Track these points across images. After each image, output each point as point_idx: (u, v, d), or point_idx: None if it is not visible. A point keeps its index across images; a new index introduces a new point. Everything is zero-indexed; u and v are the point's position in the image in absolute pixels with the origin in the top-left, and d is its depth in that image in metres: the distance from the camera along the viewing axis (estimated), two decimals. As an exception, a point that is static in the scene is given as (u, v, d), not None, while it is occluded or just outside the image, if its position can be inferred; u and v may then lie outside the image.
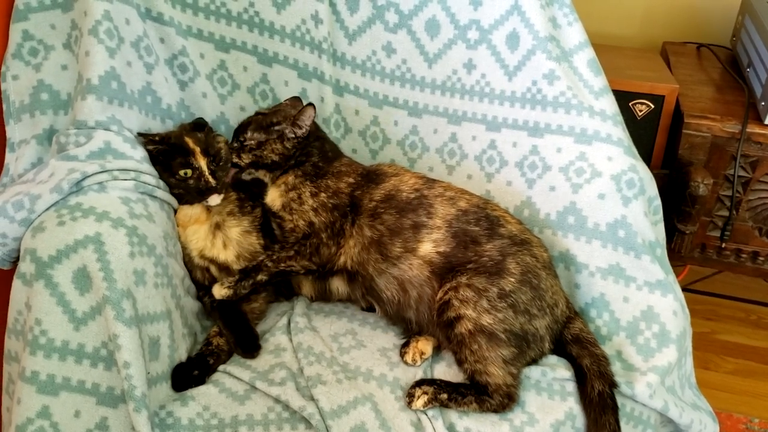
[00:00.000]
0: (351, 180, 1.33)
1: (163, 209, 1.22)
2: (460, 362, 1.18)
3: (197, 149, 1.26)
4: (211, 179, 1.26)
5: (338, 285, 1.31)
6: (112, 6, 1.26)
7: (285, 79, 1.51)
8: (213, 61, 1.46)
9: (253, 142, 1.34)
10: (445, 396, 1.13)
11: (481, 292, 1.16)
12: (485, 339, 1.14)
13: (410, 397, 1.13)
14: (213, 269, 1.30)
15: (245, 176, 1.39)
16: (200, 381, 1.15)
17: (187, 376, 1.15)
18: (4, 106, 1.25)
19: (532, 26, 1.39)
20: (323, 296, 1.35)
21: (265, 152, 1.34)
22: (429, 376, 1.20)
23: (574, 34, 1.40)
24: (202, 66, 1.44)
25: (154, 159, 1.26)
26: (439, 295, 1.19)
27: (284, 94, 1.52)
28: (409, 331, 1.28)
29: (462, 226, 1.23)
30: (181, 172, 1.25)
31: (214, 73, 1.47)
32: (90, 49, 1.22)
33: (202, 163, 1.26)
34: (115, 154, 1.19)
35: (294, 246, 1.28)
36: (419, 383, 1.15)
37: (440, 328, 1.20)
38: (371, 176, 1.34)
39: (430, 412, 1.12)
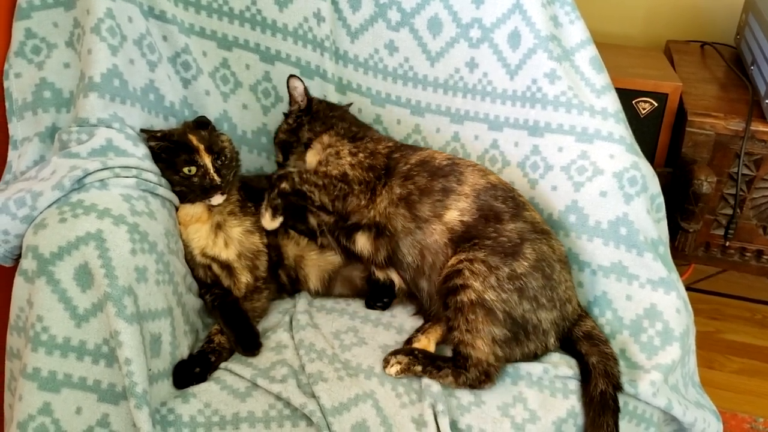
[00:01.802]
0: (390, 144, 1.39)
1: (164, 207, 1.22)
2: (451, 329, 1.19)
3: (201, 147, 1.26)
4: (216, 177, 1.26)
5: (363, 242, 1.31)
6: (115, 4, 1.27)
7: (286, 77, 1.51)
8: (215, 59, 1.47)
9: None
10: (419, 368, 1.15)
11: (493, 269, 1.17)
12: (483, 312, 1.15)
13: (385, 362, 1.16)
14: (215, 267, 1.30)
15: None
16: (201, 378, 1.15)
17: (189, 373, 1.15)
18: (7, 104, 1.26)
19: (533, 25, 1.39)
20: (347, 254, 1.35)
21: (279, 136, 1.46)
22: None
23: (576, 32, 1.40)
24: (204, 64, 1.44)
25: (157, 156, 1.26)
26: (452, 261, 1.20)
27: (286, 92, 1.51)
28: (421, 307, 1.30)
29: (489, 201, 1.25)
30: (185, 170, 1.25)
31: (217, 71, 1.47)
32: (92, 47, 1.23)
33: (207, 160, 1.26)
34: (116, 152, 1.19)
35: (324, 179, 1.31)
36: (395, 352, 1.17)
37: (442, 294, 1.20)
38: (407, 146, 1.40)
39: (440, 407, 1.11)
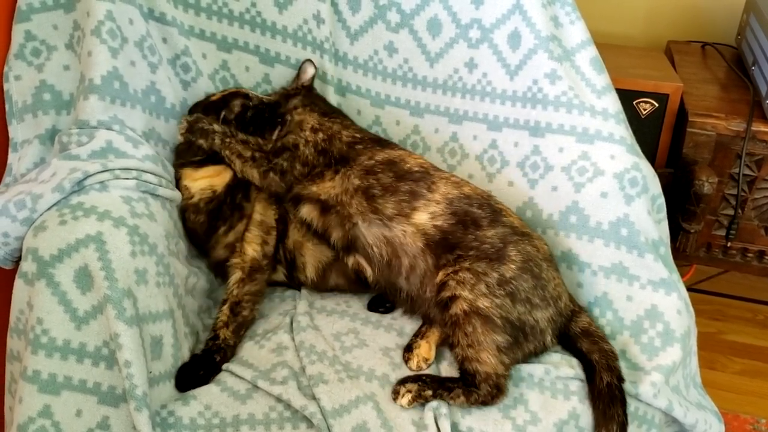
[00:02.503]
0: (357, 135, 1.37)
1: (164, 208, 1.22)
2: (452, 346, 1.17)
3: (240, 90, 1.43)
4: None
5: (308, 211, 1.31)
6: (115, 6, 1.27)
7: (287, 79, 1.51)
8: (215, 61, 1.47)
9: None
10: (429, 393, 1.12)
11: (480, 276, 1.15)
12: (480, 322, 1.13)
13: (395, 394, 1.13)
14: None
15: None
16: (205, 381, 1.15)
17: (192, 376, 1.14)
18: (7, 107, 1.26)
19: (533, 25, 1.39)
20: (323, 273, 1.37)
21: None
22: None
23: (576, 32, 1.40)
24: (204, 66, 1.45)
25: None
26: (439, 277, 1.19)
27: (287, 94, 1.52)
28: (401, 302, 1.30)
29: (464, 207, 1.23)
30: (247, 103, 1.38)
31: (217, 73, 1.47)
32: (92, 49, 1.23)
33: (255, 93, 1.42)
34: (116, 154, 1.19)
35: (264, 147, 1.34)
36: (403, 381, 1.15)
37: (438, 309, 1.19)
38: (381, 141, 1.37)
39: (441, 410, 1.11)
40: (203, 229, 1.34)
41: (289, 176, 1.31)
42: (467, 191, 1.26)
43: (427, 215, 1.22)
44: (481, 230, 1.21)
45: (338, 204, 1.27)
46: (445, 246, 1.20)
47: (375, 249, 1.24)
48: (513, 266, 1.17)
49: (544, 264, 1.21)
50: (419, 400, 1.12)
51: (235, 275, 1.28)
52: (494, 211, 1.24)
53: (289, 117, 1.39)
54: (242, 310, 1.25)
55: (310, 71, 1.47)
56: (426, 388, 1.13)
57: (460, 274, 1.16)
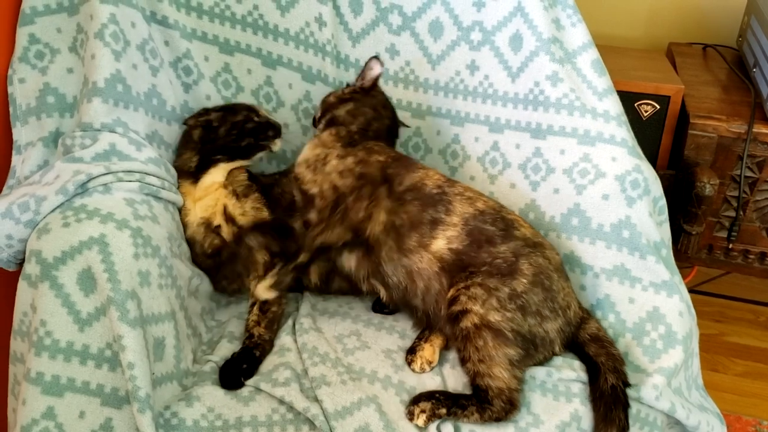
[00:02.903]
0: (381, 158, 1.30)
1: (167, 210, 1.23)
2: (463, 361, 1.16)
3: (252, 105, 1.42)
4: (276, 121, 1.42)
5: (350, 261, 1.27)
6: (118, 9, 1.27)
7: (289, 82, 1.52)
8: (217, 63, 1.47)
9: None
10: (444, 410, 1.11)
11: (492, 291, 1.15)
12: (491, 336, 1.13)
13: (410, 414, 1.11)
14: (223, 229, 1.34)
15: None
16: (250, 374, 1.16)
17: (237, 371, 1.15)
18: (11, 109, 1.27)
19: (535, 28, 1.39)
20: (326, 277, 1.35)
21: (330, 98, 1.43)
22: (438, 380, 1.19)
23: (578, 34, 1.40)
24: (206, 68, 1.45)
25: (210, 128, 1.36)
26: (450, 293, 1.19)
27: (288, 97, 1.53)
28: (416, 318, 1.28)
29: (478, 225, 1.22)
30: (254, 117, 1.39)
31: (219, 75, 1.48)
32: (96, 53, 1.23)
33: (263, 111, 1.42)
34: (120, 156, 1.19)
35: (321, 214, 1.28)
36: (416, 400, 1.13)
37: (449, 323, 1.19)
38: (402, 161, 1.32)
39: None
40: (213, 270, 1.36)
41: (351, 214, 1.27)
42: (481, 207, 1.25)
43: (444, 241, 1.21)
44: (494, 246, 1.20)
45: (376, 243, 1.24)
46: (460, 266, 1.20)
47: (393, 278, 1.24)
48: (524, 280, 1.17)
49: (555, 275, 1.21)
50: (434, 419, 1.11)
51: (254, 281, 1.31)
52: (507, 225, 1.23)
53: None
54: (270, 306, 1.28)
55: (375, 70, 1.40)
56: (440, 406, 1.11)
57: (472, 289, 1.16)
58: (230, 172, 1.38)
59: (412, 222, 1.23)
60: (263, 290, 1.24)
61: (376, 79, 1.40)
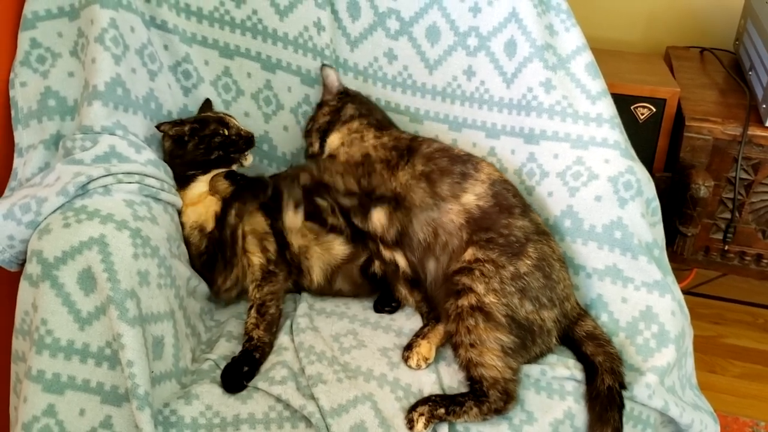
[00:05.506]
0: (409, 136, 1.44)
1: (166, 212, 1.25)
2: (456, 347, 1.17)
3: (223, 115, 1.41)
4: (248, 131, 1.41)
5: (379, 217, 1.32)
6: (118, 14, 1.29)
7: (288, 86, 1.54)
8: (217, 67, 1.49)
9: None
10: (442, 411, 1.11)
11: (499, 269, 1.18)
12: (482, 318, 1.15)
13: (410, 422, 1.11)
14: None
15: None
16: (250, 377, 1.17)
17: (238, 374, 1.16)
18: (13, 112, 1.28)
19: (529, 34, 1.40)
20: (356, 235, 1.37)
21: (319, 120, 1.50)
22: (434, 377, 1.20)
23: (572, 39, 1.41)
24: (206, 72, 1.47)
25: (180, 142, 1.35)
26: (467, 256, 1.22)
27: (288, 100, 1.54)
28: (420, 296, 1.33)
29: (503, 191, 1.29)
30: (222, 131, 1.37)
31: (219, 79, 1.50)
32: (96, 57, 1.25)
33: (235, 122, 1.41)
34: (119, 158, 1.21)
35: (344, 164, 1.36)
36: (414, 406, 1.13)
37: (452, 296, 1.20)
38: (429, 139, 1.44)
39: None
40: (207, 266, 1.36)
41: (375, 177, 1.36)
42: (504, 177, 1.34)
43: (473, 196, 1.28)
44: (513, 218, 1.25)
45: (406, 191, 1.31)
46: (482, 225, 1.24)
47: (421, 234, 1.29)
48: (529, 262, 1.20)
49: (557, 264, 1.24)
50: (433, 421, 1.11)
51: (252, 284, 1.32)
52: (525, 206, 1.30)
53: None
54: (268, 309, 1.29)
55: (331, 75, 1.50)
56: (437, 407, 1.12)
57: (487, 266, 1.19)
58: (212, 179, 1.36)
59: (442, 171, 1.31)
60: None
61: (339, 81, 1.50)
